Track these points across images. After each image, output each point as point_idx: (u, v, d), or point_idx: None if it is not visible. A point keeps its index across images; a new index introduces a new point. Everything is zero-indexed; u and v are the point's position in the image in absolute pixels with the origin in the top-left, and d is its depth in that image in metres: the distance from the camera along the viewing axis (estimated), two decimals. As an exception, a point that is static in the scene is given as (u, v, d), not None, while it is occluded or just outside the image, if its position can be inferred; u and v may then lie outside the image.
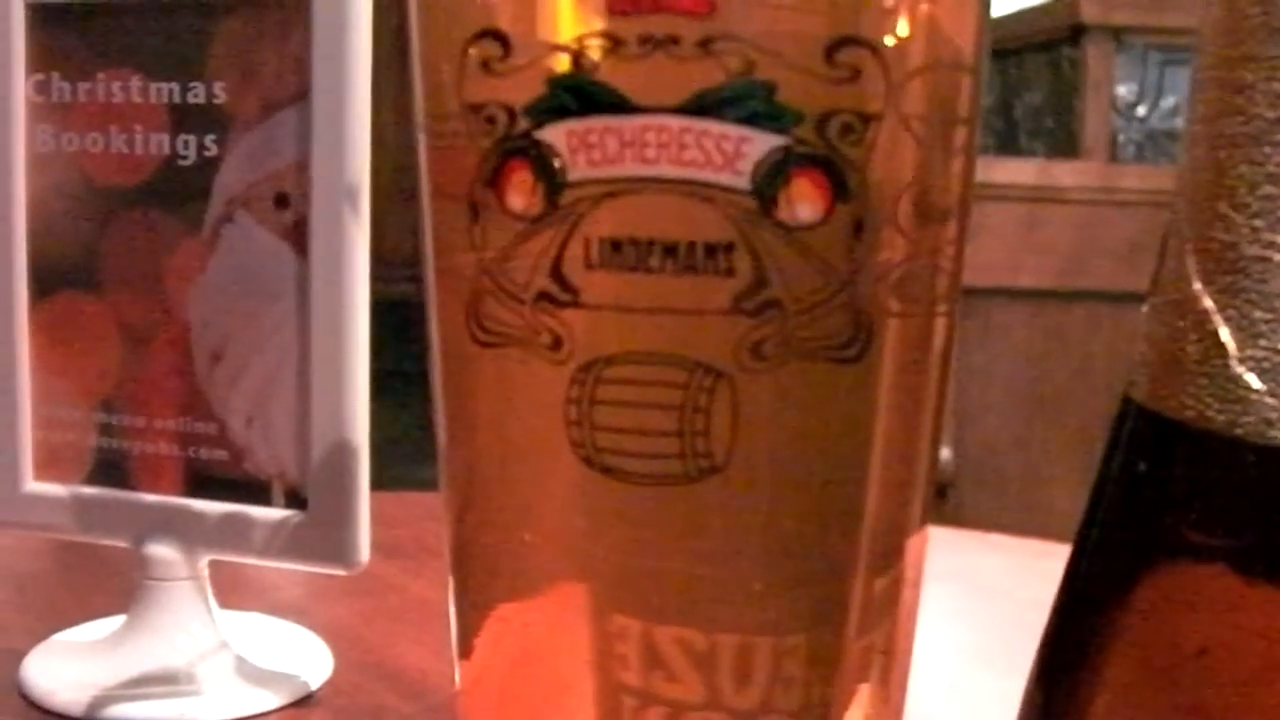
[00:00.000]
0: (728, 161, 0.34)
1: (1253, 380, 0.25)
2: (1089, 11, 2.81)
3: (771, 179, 0.34)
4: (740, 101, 0.34)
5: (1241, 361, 0.26)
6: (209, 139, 0.64)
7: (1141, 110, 2.91)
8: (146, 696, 0.63)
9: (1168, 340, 0.27)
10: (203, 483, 0.66)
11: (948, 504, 1.93)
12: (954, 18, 0.37)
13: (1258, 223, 0.25)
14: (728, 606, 0.37)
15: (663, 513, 0.36)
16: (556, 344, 0.35)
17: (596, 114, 0.34)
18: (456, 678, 0.42)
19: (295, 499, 0.64)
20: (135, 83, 0.65)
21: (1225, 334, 0.26)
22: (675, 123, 0.34)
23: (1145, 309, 0.28)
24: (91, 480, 0.68)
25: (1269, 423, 0.25)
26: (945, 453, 1.95)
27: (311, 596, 0.78)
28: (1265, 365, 0.25)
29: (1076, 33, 2.85)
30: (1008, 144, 3.20)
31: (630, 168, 0.34)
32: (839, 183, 0.35)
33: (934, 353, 0.38)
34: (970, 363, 2.38)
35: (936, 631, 0.82)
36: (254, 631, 0.70)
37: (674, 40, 0.34)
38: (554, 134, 0.35)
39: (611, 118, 0.34)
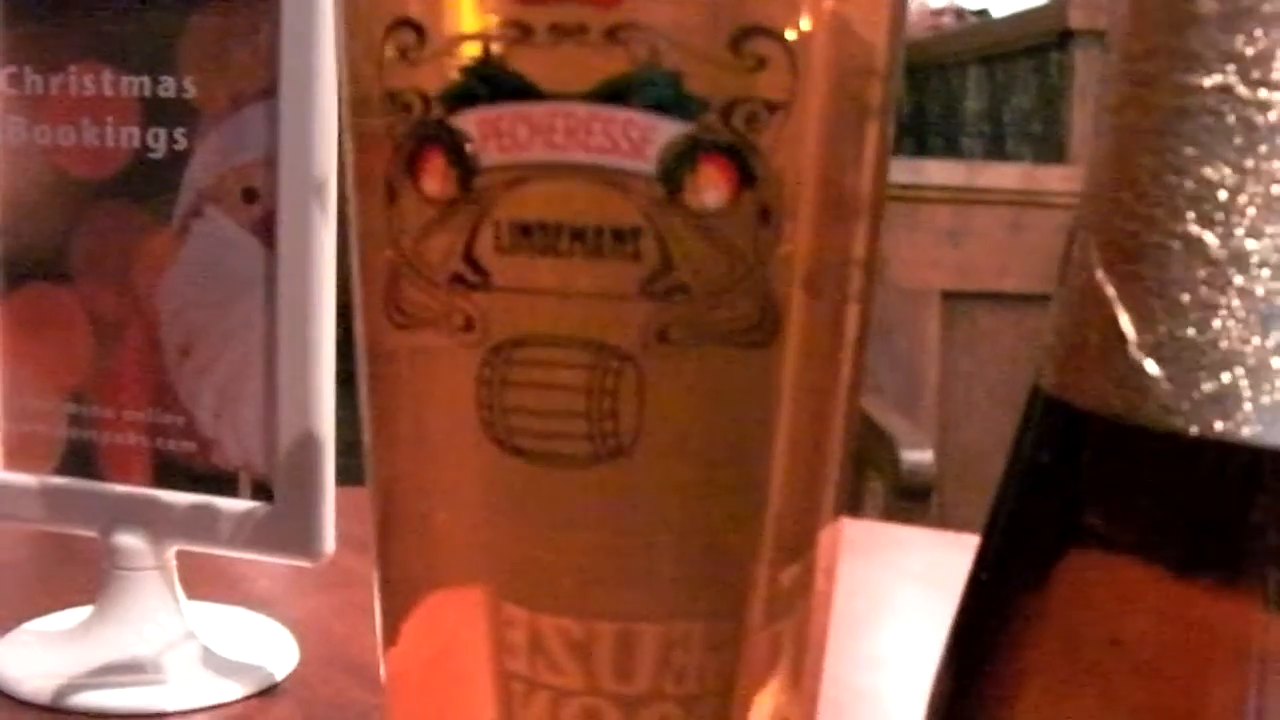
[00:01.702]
0: (635, 148, 0.34)
1: (1151, 367, 0.26)
2: (1077, 17, 2.82)
3: (677, 165, 0.35)
4: (646, 88, 0.34)
5: (1140, 348, 0.26)
6: (179, 132, 0.64)
7: (1129, 116, 2.91)
8: (112, 685, 0.64)
9: (1072, 329, 0.28)
10: (170, 474, 0.66)
11: (931, 507, 1.93)
12: (864, 14, 0.37)
13: (1157, 212, 0.26)
14: (627, 592, 0.37)
15: (571, 495, 0.37)
16: (469, 325, 0.36)
17: (507, 101, 0.35)
18: (381, 669, 0.42)
19: (262, 491, 0.64)
20: (107, 76, 0.65)
21: (1125, 321, 0.26)
22: (583, 109, 0.34)
23: (1053, 299, 0.29)
24: (61, 470, 0.68)
25: (1167, 409, 0.26)
26: (928, 455, 1.95)
27: (280, 589, 0.79)
28: (1163, 352, 0.26)
29: (1064, 38, 2.85)
30: (995, 148, 3.21)
31: (540, 153, 0.35)
32: (744, 170, 0.35)
33: (845, 344, 0.39)
34: (955, 366, 2.38)
35: (919, 633, 0.83)
36: (220, 622, 0.71)
37: (582, 29, 0.34)
38: (466, 120, 0.35)
39: (522, 104, 0.35)
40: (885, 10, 0.38)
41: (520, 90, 0.35)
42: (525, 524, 0.37)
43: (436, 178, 0.36)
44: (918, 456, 1.95)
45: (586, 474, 0.36)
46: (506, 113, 0.35)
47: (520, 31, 0.34)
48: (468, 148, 0.35)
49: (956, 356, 2.37)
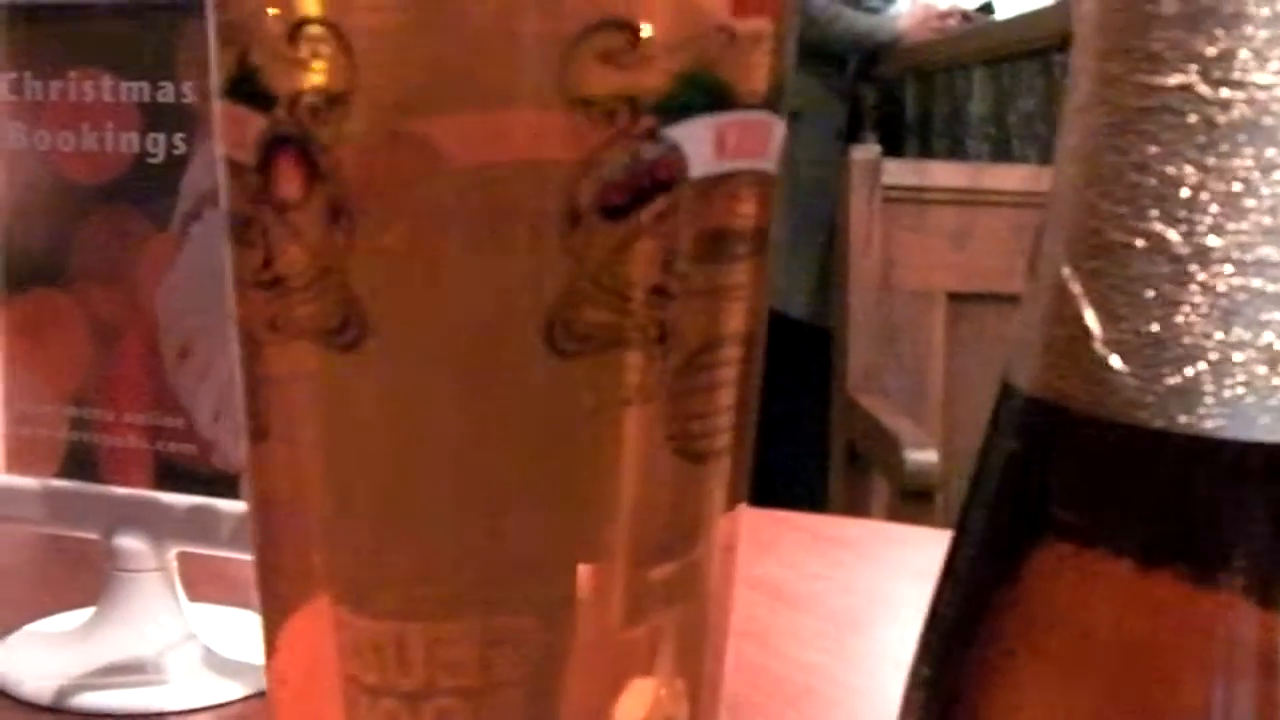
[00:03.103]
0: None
1: (1115, 362, 0.26)
2: (1081, 18, 2.82)
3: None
4: (780, 94, 0.37)
5: (1105, 344, 0.26)
6: (178, 138, 0.64)
7: (1134, 117, 2.91)
8: (114, 686, 0.64)
9: (1039, 325, 0.28)
10: (171, 476, 0.66)
11: (936, 506, 1.94)
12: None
13: (1121, 209, 0.26)
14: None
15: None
16: (662, 337, 0.37)
17: (719, 110, 0.36)
18: (264, 679, 0.42)
19: (261, 492, 0.64)
20: (106, 82, 0.65)
21: (1090, 317, 0.27)
22: (762, 117, 0.37)
23: (1022, 296, 0.29)
24: (62, 473, 0.68)
25: (1130, 403, 0.26)
26: (933, 456, 1.95)
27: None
28: (1127, 347, 0.26)
29: (1069, 40, 2.85)
30: (1000, 150, 3.21)
31: (745, 161, 0.37)
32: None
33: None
34: (961, 367, 2.38)
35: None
36: (221, 623, 0.71)
37: (770, 36, 0.36)
38: (684, 131, 0.36)
39: (728, 114, 0.36)
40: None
41: (724, 99, 0.35)
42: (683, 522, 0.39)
43: (644, 191, 0.35)
44: (922, 457, 1.95)
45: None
46: (711, 123, 0.35)
47: (728, 38, 0.35)
48: (677, 159, 0.35)
49: (962, 358, 2.38)
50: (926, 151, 3.57)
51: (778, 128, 0.37)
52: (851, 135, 3.58)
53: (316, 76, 0.35)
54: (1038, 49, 3.05)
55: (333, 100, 0.35)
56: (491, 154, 0.34)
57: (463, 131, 0.34)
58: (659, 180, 0.35)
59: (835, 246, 2.54)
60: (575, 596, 0.37)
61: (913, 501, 1.93)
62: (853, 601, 0.88)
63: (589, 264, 0.35)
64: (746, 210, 0.37)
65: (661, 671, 0.39)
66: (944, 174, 2.45)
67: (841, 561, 0.95)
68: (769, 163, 0.37)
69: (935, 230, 2.35)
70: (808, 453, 2.87)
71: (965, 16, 3.77)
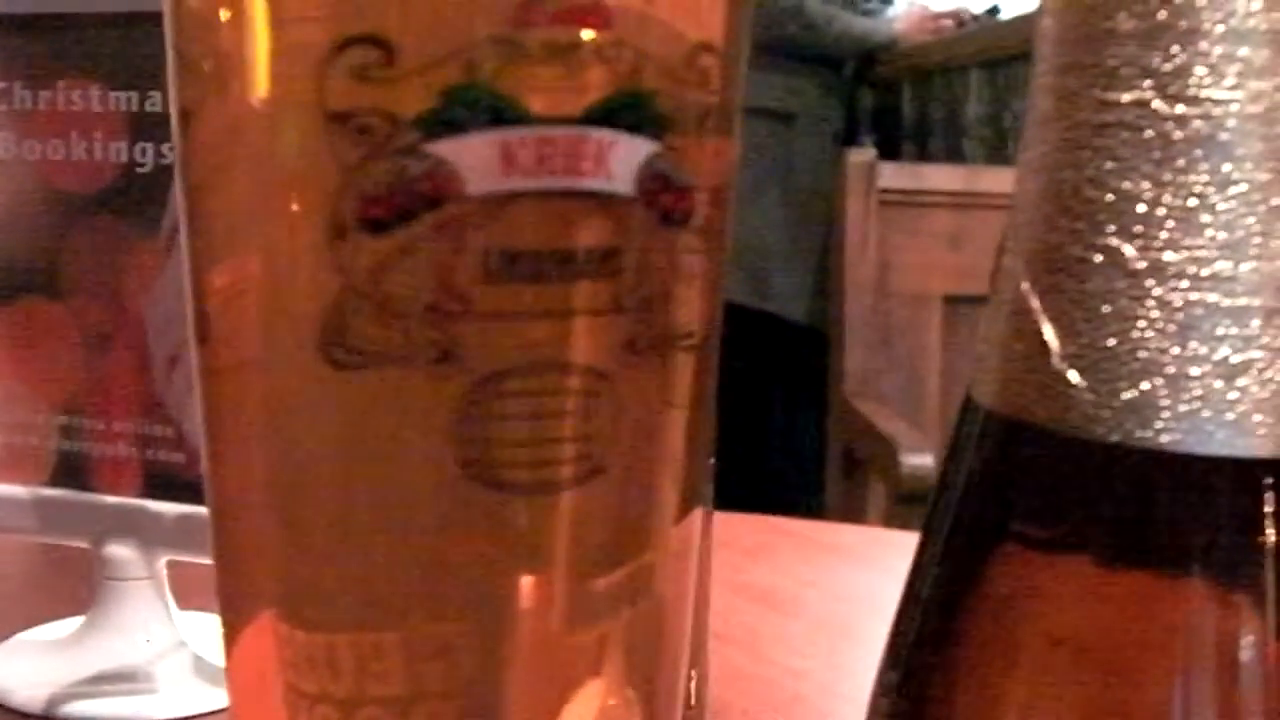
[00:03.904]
0: (617, 168, 0.34)
1: (1073, 377, 0.27)
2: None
3: (649, 183, 0.35)
4: (629, 109, 0.35)
5: (1063, 359, 0.27)
6: (166, 147, 0.64)
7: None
8: (104, 694, 0.65)
9: (1000, 339, 0.28)
10: (161, 484, 0.67)
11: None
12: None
13: (1079, 225, 0.27)
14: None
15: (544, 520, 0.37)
16: (445, 357, 0.35)
17: (491, 127, 0.34)
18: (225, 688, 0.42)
19: (250, 500, 0.65)
20: (95, 91, 0.66)
21: (1048, 332, 0.27)
22: (573, 133, 0.34)
23: (983, 310, 0.30)
24: (52, 481, 0.69)
25: (1088, 417, 0.26)
26: (929, 459, 1.95)
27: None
28: (1084, 362, 0.26)
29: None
30: (997, 153, 3.21)
31: (525, 180, 0.34)
32: (693, 183, 0.36)
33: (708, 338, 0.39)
34: (957, 370, 2.38)
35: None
36: (211, 631, 0.71)
37: (572, 48, 0.34)
38: (448, 148, 0.34)
39: (506, 130, 0.34)
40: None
41: (508, 114, 0.34)
42: (486, 551, 0.37)
43: (406, 207, 0.34)
44: (918, 460, 1.95)
45: (566, 497, 0.36)
46: (494, 138, 0.34)
47: (510, 51, 0.33)
48: (447, 176, 0.34)
49: (958, 360, 2.38)
50: (924, 154, 3.58)
51: (626, 145, 0.35)
52: (848, 138, 3.58)
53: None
54: (1034, 51, 3.05)
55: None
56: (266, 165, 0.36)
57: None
58: (425, 196, 0.34)
59: (831, 249, 2.54)
60: (506, 606, 0.37)
61: (909, 505, 1.94)
62: (843, 608, 0.88)
63: (355, 276, 0.35)
64: (563, 231, 0.35)
65: (610, 681, 0.39)
66: (940, 177, 2.46)
67: (832, 567, 0.95)
68: (606, 182, 0.34)
69: (931, 233, 2.36)
70: (804, 456, 2.88)
71: (963, 21, 3.77)
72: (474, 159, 0.34)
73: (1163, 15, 0.25)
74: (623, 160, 0.35)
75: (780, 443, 3.23)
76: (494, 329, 0.35)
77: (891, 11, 3.75)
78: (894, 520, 1.98)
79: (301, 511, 0.37)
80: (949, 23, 3.73)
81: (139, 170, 0.65)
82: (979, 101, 3.34)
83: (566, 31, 0.34)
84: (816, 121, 3.50)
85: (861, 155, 2.40)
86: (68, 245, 0.67)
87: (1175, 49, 0.25)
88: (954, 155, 3.40)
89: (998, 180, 2.42)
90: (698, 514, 0.40)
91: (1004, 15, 3.77)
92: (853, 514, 2.32)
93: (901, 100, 3.81)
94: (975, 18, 3.80)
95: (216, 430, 0.39)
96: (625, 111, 0.35)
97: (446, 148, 0.34)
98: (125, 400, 0.67)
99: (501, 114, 0.34)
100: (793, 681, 0.73)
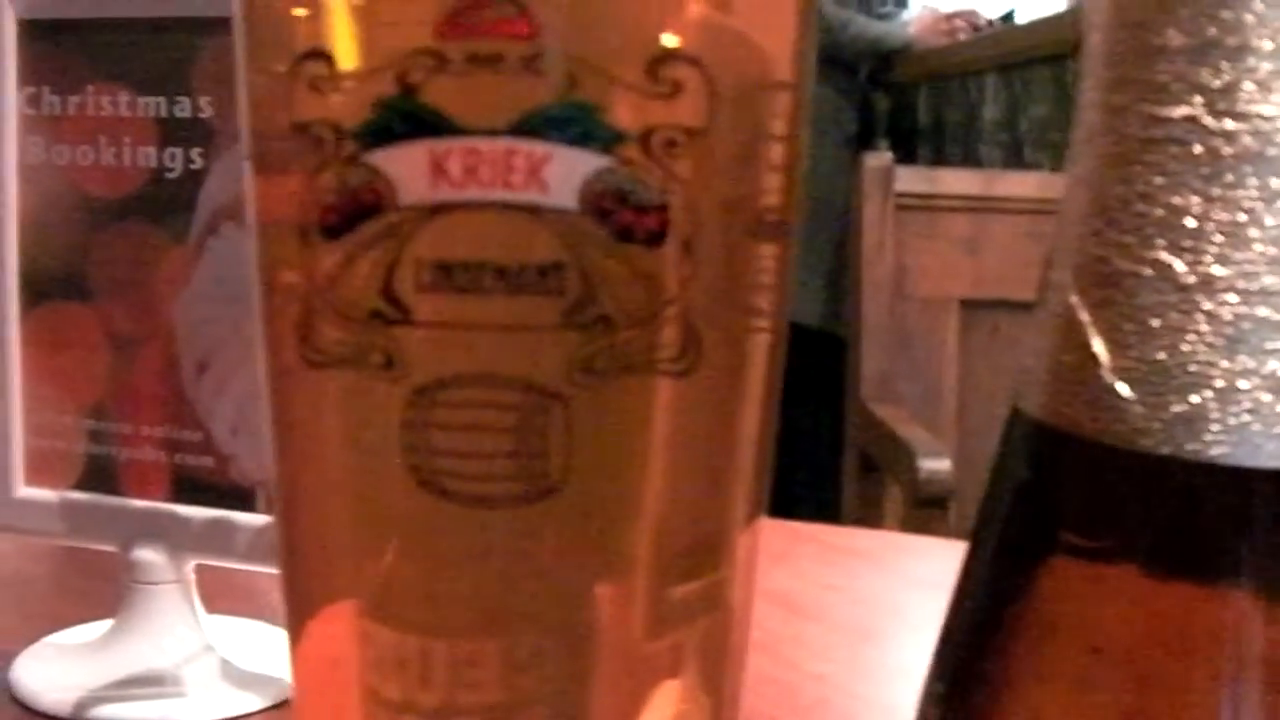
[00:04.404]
0: (556, 182, 0.34)
1: (1123, 389, 0.27)
2: (1094, 25, 2.82)
3: (599, 199, 0.34)
4: (566, 121, 0.34)
5: (1113, 371, 0.27)
6: (195, 152, 0.65)
7: (1147, 123, 2.91)
8: (132, 698, 0.65)
9: (1048, 351, 0.29)
10: (188, 489, 0.67)
11: (949, 515, 1.94)
12: (769, 25, 0.37)
13: (1128, 239, 0.27)
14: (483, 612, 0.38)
15: (495, 532, 0.37)
16: (389, 364, 0.35)
17: (423, 136, 0.34)
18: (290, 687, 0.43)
19: (278, 505, 0.65)
20: (124, 97, 0.66)
21: (1098, 345, 0.27)
22: (501, 144, 0.34)
23: (1031, 323, 0.30)
24: (81, 486, 0.69)
25: (1138, 430, 0.27)
26: (946, 464, 1.95)
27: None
28: (1134, 375, 0.27)
29: (1081, 46, 2.85)
30: (1013, 157, 3.21)
31: (459, 191, 0.34)
32: (663, 200, 0.35)
33: (757, 364, 0.38)
34: (974, 375, 2.38)
35: (931, 643, 0.83)
36: (238, 635, 0.72)
37: (499, 59, 0.34)
38: (383, 158, 0.35)
39: (438, 140, 0.34)
40: (791, 19, 0.38)
41: (436, 125, 0.34)
42: (435, 558, 0.37)
43: (351, 215, 0.35)
44: (935, 465, 1.95)
45: (515, 513, 0.36)
46: (423, 149, 0.34)
47: (436, 63, 0.34)
48: (383, 186, 0.35)
49: (975, 365, 2.38)
50: (939, 158, 3.58)
51: (564, 158, 0.34)
52: (864, 142, 3.59)
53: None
54: (1050, 55, 3.05)
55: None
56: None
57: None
58: (365, 204, 0.35)
59: (848, 253, 2.54)
60: (595, 614, 0.38)
61: (926, 509, 1.94)
62: (864, 612, 0.88)
63: (317, 280, 0.36)
64: (499, 244, 0.35)
65: (685, 687, 0.40)
66: (956, 181, 2.45)
67: (853, 572, 0.95)
68: (540, 196, 0.34)
69: (948, 237, 2.36)
70: (821, 459, 2.88)
71: (977, 26, 3.77)
72: (405, 169, 0.35)
73: (1212, 32, 0.26)
74: (561, 174, 0.34)
75: (797, 446, 3.24)
76: (433, 338, 0.36)
77: (906, 15, 3.75)
78: (911, 524, 1.98)
79: (373, 509, 0.38)
80: (962, 24, 3.73)
81: (168, 175, 0.65)
82: (995, 105, 3.34)
83: (491, 42, 0.34)
84: (832, 125, 3.50)
85: (879, 159, 2.40)
86: (96, 249, 0.67)
87: (1224, 65, 0.26)
88: (970, 159, 3.40)
89: (1014, 185, 2.42)
90: (757, 527, 0.41)
91: (1019, 19, 3.77)
92: (869, 517, 2.32)
93: (917, 104, 3.81)
94: (990, 22, 3.80)
95: (285, 428, 0.39)
96: (561, 124, 0.34)
97: (381, 158, 0.35)
98: (153, 404, 0.67)
99: (429, 125, 0.34)
100: (815, 685, 0.73)
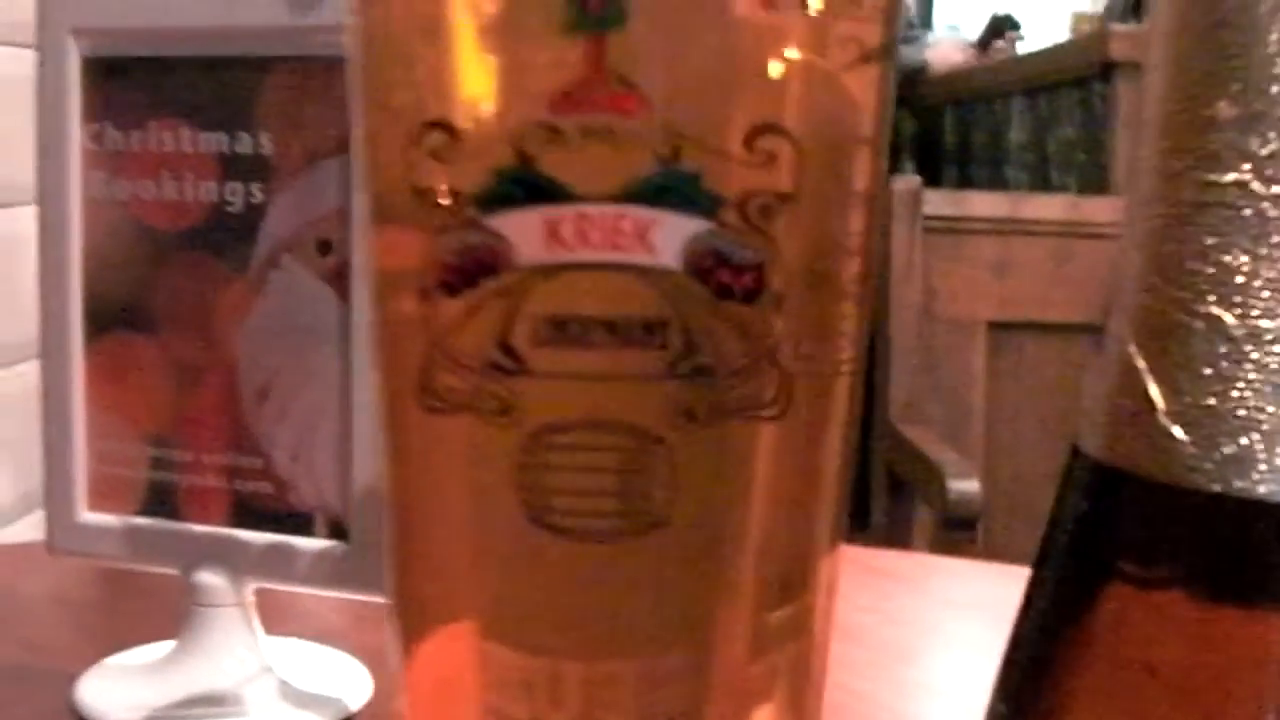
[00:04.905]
0: (661, 245, 0.37)
1: (1177, 432, 0.29)
2: (1119, 48, 2.83)
3: (700, 260, 0.37)
4: (670, 188, 0.37)
5: (1168, 415, 0.29)
6: (255, 187, 0.66)
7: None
8: (194, 717, 0.66)
9: (1108, 396, 0.31)
10: (248, 514, 0.68)
11: (978, 536, 1.95)
12: (857, 98, 0.40)
13: (1183, 294, 0.29)
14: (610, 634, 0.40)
15: (603, 564, 0.39)
16: (504, 410, 0.38)
17: (539, 203, 0.37)
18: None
19: (337, 530, 0.67)
20: (185, 132, 0.67)
21: (1154, 391, 0.29)
22: (611, 210, 0.37)
23: (1090, 368, 0.32)
24: (143, 511, 0.71)
25: (1191, 469, 0.29)
26: (975, 485, 1.96)
27: (352, 622, 0.81)
28: (1187, 419, 0.29)
29: (1107, 69, 2.87)
30: (1039, 179, 3.22)
31: (571, 253, 0.37)
32: (759, 260, 0.38)
33: (839, 405, 0.41)
34: (1002, 397, 2.39)
35: (967, 662, 0.85)
36: (297, 655, 0.73)
37: (609, 132, 0.36)
38: (501, 222, 0.37)
39: (552, 206, 0.37)
40: (874, 83, 0.40)
41: (551, 192, 0.37)
42: (549, 588, 0.40)
43: (471, 273, 0.38)
44: (964, 486, 1.96)
45: (621, 545, 0.39)
46: (538, 214, 0.37)
47: (551, 135, 0.36)
48: (502, 247, 0.37)
49: (1003, 387, 2.39)
50: (965, 180, 3.58)
51: (669, 223, 0.37)
52: (890, 164, 3.59)
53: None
54: (1076, 78, 3.06)
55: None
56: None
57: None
58: (484, 264, 0.37)
59: (876, 275, 2.54)
60: (708, 637, 0.40)
61: (955, 529, 1.94)
62: (901, 632, 0.89)
63: (436, 332, 0.39)
64: (609, 301, 0.37)
65: (777, 709, 0.42)
66: (983, 204, 2.46)
67: (890, 594, 0.96)
68: (648, 257, 0.37)
69: (975, 260, 2.37)
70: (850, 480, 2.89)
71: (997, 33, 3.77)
72: (522, 232, 0.37)
73: (1259, 105, 0.28)
74: (665, 237, 0.37)
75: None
76: (546, 387, 0.38)
77: (931, 38, 3.76)
78: (940, 544, 1.99)
79: (489, 541, 0.41)
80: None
81: (229, 210, 0.67)
82: (1021, 128, 3.35)
83: (602, 116, 0.36)
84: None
85: (907, 183, 2.41)
86: (159, 281, 0.69)
87: (1271, 135, 0.28)
88: (996, 182, 3.41)
89: (1041, 207, 2.43)
90: (838, 553, 0.43)
91: (1025, 36, 3.78)
92: (898, 537, 2.33)
93: (943, 126, 3.82)
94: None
95: (402, 466, 0.42)
96: (666, 191, 0.37)
97: (499, 222, 0.37)
98: (214, 432, 0.68)
99: (545, 192, 0.37)
100: (858, 705, 0.74)
